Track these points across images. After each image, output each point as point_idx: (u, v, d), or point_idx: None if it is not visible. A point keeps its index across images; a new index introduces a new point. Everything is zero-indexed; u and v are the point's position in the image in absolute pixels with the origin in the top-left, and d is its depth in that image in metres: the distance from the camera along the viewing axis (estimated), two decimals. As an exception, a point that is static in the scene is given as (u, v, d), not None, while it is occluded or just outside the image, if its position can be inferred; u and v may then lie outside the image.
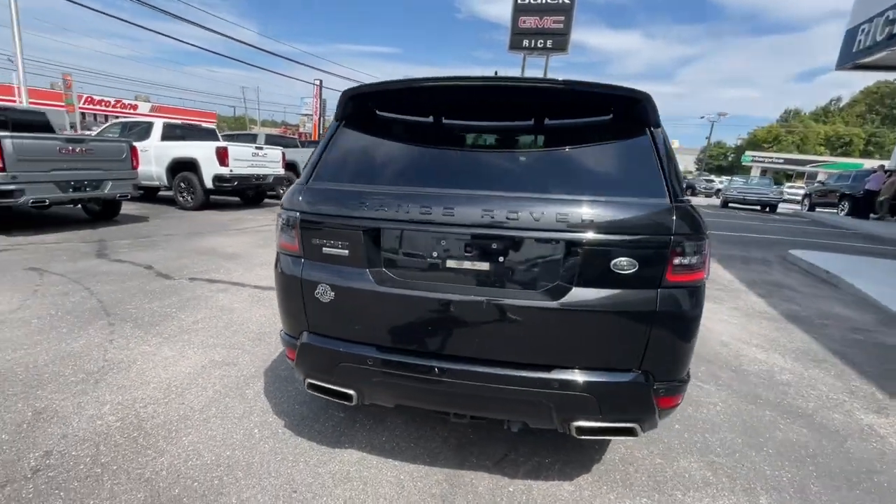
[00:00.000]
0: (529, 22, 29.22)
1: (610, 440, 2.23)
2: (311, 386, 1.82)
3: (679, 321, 1.56)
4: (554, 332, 1.54)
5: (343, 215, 1.64)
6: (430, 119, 1.85)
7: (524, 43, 29.49)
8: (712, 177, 39.78)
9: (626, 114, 1.74)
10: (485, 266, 1.56)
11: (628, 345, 1.55)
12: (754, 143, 66.67)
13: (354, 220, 1.62)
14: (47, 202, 6.06)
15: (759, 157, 54.85)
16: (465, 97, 1.79)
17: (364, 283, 1.62)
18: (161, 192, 10.50)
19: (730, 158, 78.19)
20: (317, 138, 41.69)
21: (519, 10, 28.68)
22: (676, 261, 1.52)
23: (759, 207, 19.79)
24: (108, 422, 2.18)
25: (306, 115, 48.89)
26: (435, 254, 1.59)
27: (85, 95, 34.71)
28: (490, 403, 1.66)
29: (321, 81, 42.67)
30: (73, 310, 3.53)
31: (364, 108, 1.88)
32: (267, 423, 2.25)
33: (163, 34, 35.10)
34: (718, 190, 29.85)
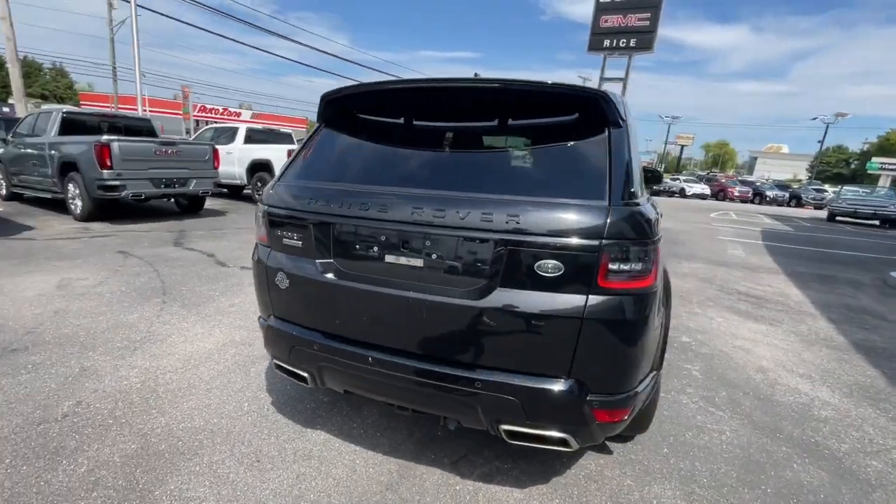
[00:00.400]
0: (611, 21, 28.04)
1: (586, 453, 2.13)
2: (276, 366, 1.99)
3: (615, 330, 1.48)
4: (478, 331, 1.54)
5: (298, 209, 1.78)
6: (393, 120, 1.94)
7: (605, 43, 28.34)
8: (825, 186, 34.85)
9: (583, 114, 1.68)
10: (417, 262, 1.60)
11: (554, 350, 1.49)
12: (886, 147, 57.45)
13: (306, 215, 1.75)
14: (143, 196, 7.07)
15: (890, 164, 47.12)
16: (425, 99, 1.84)
17: (312, 273, 1.75)
18: (245, 191, 11.69)
19: (852, 165, 68.19)
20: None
21: (600, 10, 27.62)
22: (610, 266, 1.44)
23: (876, 223, 17.03)
24: (132, 383, 2.54)
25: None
26: (375, 249, 1.66)
27: (199, 105, 39.57)
28: (419, 397, 1.69)
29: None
30: (140, 288, 4.11)
31: (339, 110, 2.01)
32: (257, 398, 2.47)
33: (264, 50, 38.92)
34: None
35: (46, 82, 48.43)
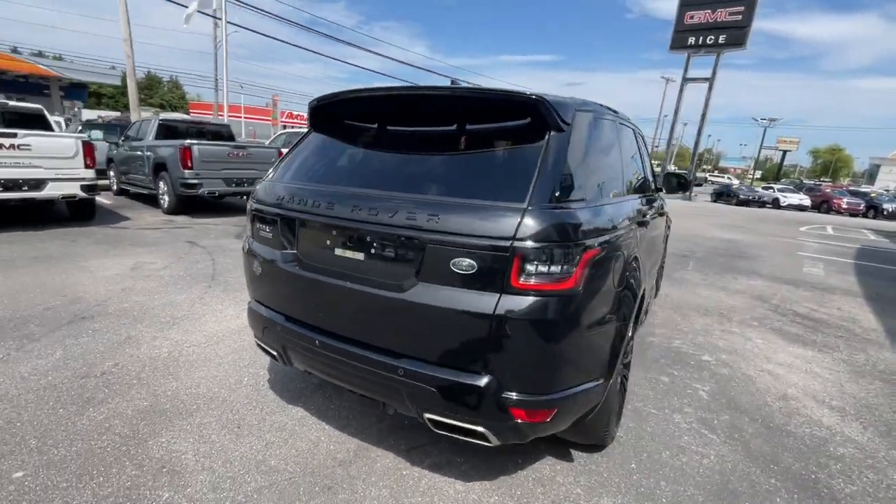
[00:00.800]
0: (698, 17, 26.25)
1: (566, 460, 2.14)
2: (257, 344, 2.24)
3: (529, 330, 1.50)
4: (402, 322, 1.64)
5: (271, 205, 2.01)
6: (357, 125, 2.10)
7: (689, 41, 26.59)
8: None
9: (524, 119, 1.72)
10: (359, 256, 1.74)
11: (468, 345, 1.55)
12: None
13: (277, 210, 1.97)
14: (217, 193, 7.97)
15: None
16: (383, 107, 1.98)
17: (278, 261, 1.96)
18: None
19: None
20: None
21: (684, 5, 25.96)
22: (524, 267, 1.47)
23: None
24: (161, 352, 2.95)
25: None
26: (328, 242, 1.83)
27: (287, 111, 43.12)
28: (357, 380, 1.82)
29: None
30: (195, 273, 4.69)
31: (320, 117, 2.21)
32: (258, 374, 2.76)
33: (342, 60, 41.44)
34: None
35: (165, 93, 55.63)
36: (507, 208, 1.51)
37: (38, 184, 6.01)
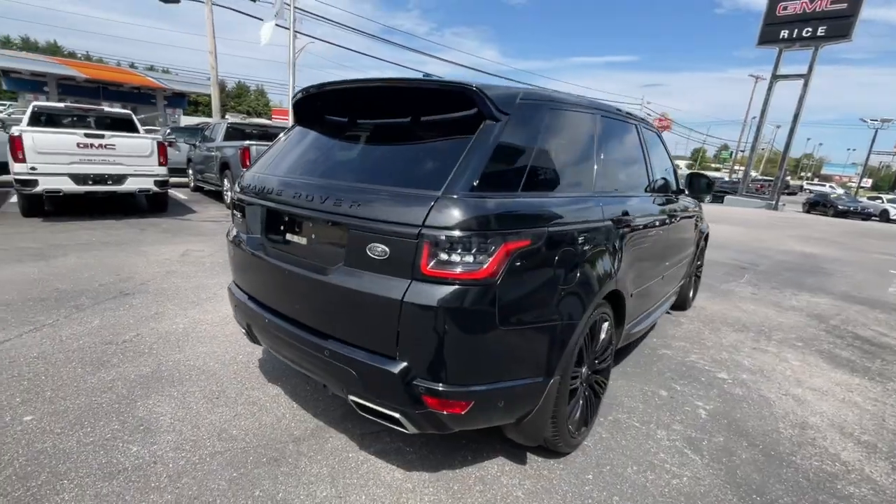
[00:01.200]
0: (792, 7, 23.87)
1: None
2: (235, 318, 2.42)
3: (439, 318, 1.48)
4: (328, 304, 1.70)
5: (240, 192, 2.17)
6: (320, 117, 2.19)
7: (781, 34, 24.24)
8: None
9: (460, 108, 1.71)
10: (302, 241, 1.84)
11: (382, 330, 1.57)
12: None
13: (244, 197, 2.13)
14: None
15: None
16: (339, 99, 2.06)
17: (242, 244, 2.12)
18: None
19: None
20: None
21: (778, -4, 23.57)
22: (434, 254, 1.47)
23: None
24: (178, 328, 3.28)
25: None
26: (281, 228, 1.95)
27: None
28: (297, 359, 1.91)
29: None
30: (232, 261, 5.12)
31: (297, 111, 2.35)
32: (251, 353, 2.97)
33: (411, 68, 42.76)
34: None
35: (252, 101, 60.88)
36: (420, 196, 1.52)
37: (119, 178, 6.90)
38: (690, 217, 3.82)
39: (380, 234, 1.54)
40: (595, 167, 2.18)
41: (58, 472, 1.83)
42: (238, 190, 2.26)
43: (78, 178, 6.53)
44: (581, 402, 2.16)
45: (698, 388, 2.94)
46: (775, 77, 23.84)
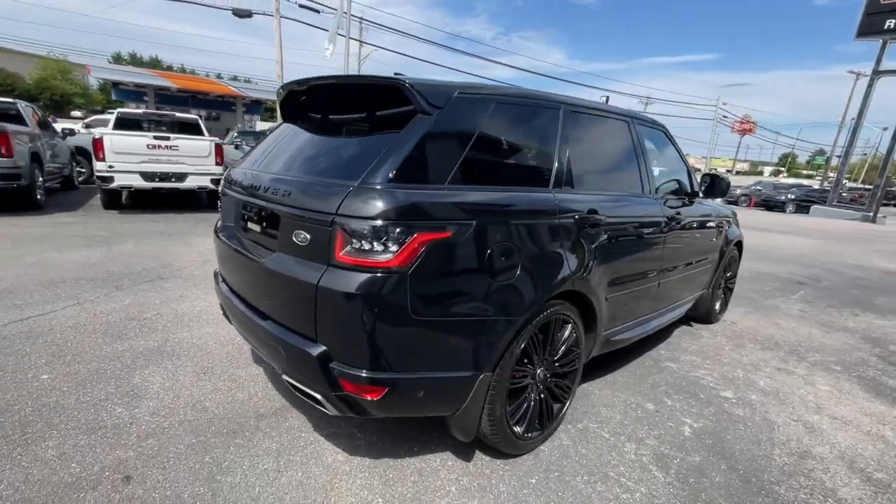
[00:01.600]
0: (901, -8, 21.06)
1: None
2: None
3: (349, 304, 1.53)
4: (266, 287, 1.82)
5: (223, 186, 2.36)
6: (293, 114, 2.32)
7: (886, 24, 21.52)
8: None
9: (396, 103, 1.75)
10: (256, 228, 1.97)
11: (304, 313, 1.64)
12: None
13: (224, 189, 2.32)
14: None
15: None
16: (304, 96, 2.17)
17: (219, 232, 2.30)
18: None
19: None
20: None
21: (883, -19, 20.95)
22: (346, 242, 1.52)
23: None
24: (194, 310, 3.60)
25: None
26: (244, 216, 2.10)
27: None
28: (250, 338, 2.04)
29: (607, 98, 42.84)
30: (264, 253, 5.50)
31: (282, 108, 2.51)
32: (249, 337, 3.20)
33: (475, 74, 43.02)
34: None
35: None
36: (338, 185, 1.58)
37: (181, 176, 7.66)
38: (709, 222, 3.54)
39: (303, 222, 1.63)
40: (555, 163, 2.11)
41: (51, 423, 2.11)
42: (223, 183, 2.46)
43: (146, 176, 7.35)
44: (532, 403, 2.10)
45: (693, 405, 2.72)
46: (877, 73, 21.17)
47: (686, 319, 4.18)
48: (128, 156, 7.17)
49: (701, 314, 4.05)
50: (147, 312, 3.47)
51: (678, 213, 2.97)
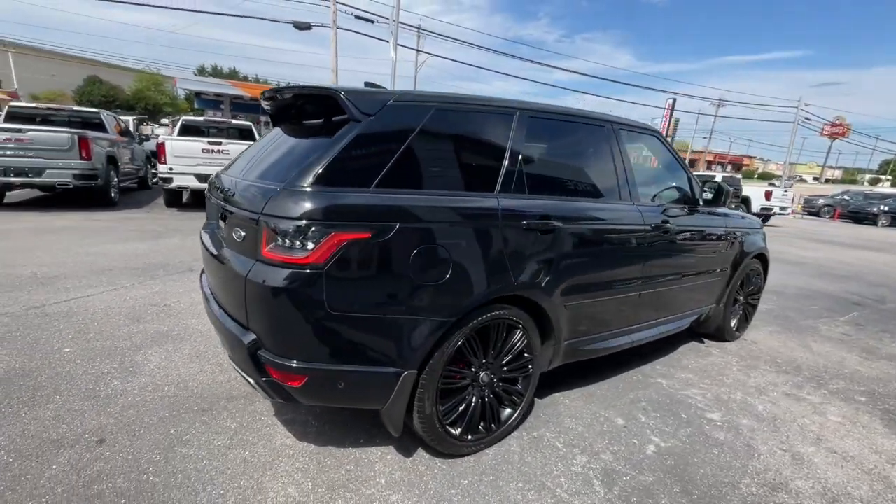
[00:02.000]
0: None
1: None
2: None
3: (271, 296, 1.65)
4: (220, 278, 2.00)
5: (207, 187, 2.60)
6: (274, 120, 2.50)
7: None
8: None
9: (334, 111, 1.87)
10: (221, 226, 2.17)
11: (239, 304, 1.79)
12: None
13: (207, 192, 2.55)
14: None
15: None
16: (274, 103, 2.34)
17: (202, 233, 2.54)
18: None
19: None
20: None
21: None
22: (270, 239, 1.66)
23: None
24: (194, 301, 3.94)
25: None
26: (218, 215, 2.31)
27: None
28: (215, 327, 2.23)
29: (674, 100, 40.64)
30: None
31: (270, 115, 2.71)
32: (248, 326, 3.46)
33: (531, 80, 42.50)
34: None
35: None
36: (269, 188, 1.72)
37: (231, 178, 8.34)
38: (716, 231, 3.32)
39: (240, 221, 1.80)
40: (504, 168, 2.12)
41: (58, 389, 2.44)
42: (207, 186, 2.72)
43: (200, 177, 8.08)
44: (472, 406, 2.11)
45: (669, 424, 2.58)
46: None
47: (698, 336, 3.93)
48: (185, 159, 7.94)
49: (711, 330, 3.79)
50: (168, 300, 3.86)
51: (666, 222, 2.82)
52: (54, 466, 1.89)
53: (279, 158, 2.01)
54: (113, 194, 8.37)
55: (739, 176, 18.75)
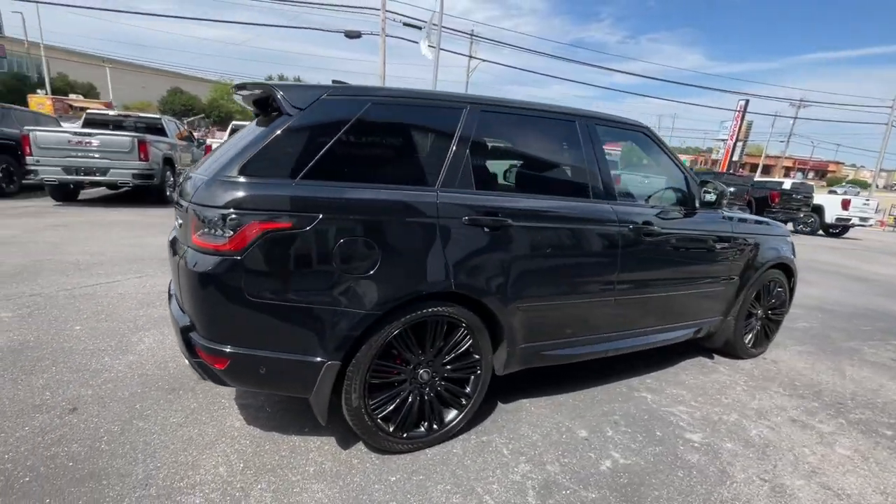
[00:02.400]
0: None
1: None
2: None
3: (196, 281, 1.74)
4: (172, 265, 2.13)
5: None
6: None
7: None
8: None
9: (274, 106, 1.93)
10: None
11: (179, 288, 1.90)
12: None
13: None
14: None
15: None
16: (243, 99, 2.45)
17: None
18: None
19: None
20: (725, 168, 37.22)
21: None
22: (198, 224, 1.74)
23: None
24: (217, 289, 4.21)
25: (721, 139, 44.81)
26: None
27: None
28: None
29: (746, 102, 37.94)
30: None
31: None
32: (243, 316, 3.65)
33: (586, 83, 41.29)
34: None
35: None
36: (200, 178, 1.82)
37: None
38: (719, 236, 3.05)
39: (179, 209, 1.91)
40: (447, 162, 2.08)
41: (56, 361, 2.71)
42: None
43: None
44: (406, 402, 2.09)
45: (637, 441, 2.39)
46: None
47: (707, 351, 3.62)
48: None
49: (720, 345, 3.47)
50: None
51: (650, 223, 2.63)
52: (26, 428, 2.10)
53: (224, 152, 2.11)
54: (168, 192, 9.15)
55: (812, 183, 17.06)
